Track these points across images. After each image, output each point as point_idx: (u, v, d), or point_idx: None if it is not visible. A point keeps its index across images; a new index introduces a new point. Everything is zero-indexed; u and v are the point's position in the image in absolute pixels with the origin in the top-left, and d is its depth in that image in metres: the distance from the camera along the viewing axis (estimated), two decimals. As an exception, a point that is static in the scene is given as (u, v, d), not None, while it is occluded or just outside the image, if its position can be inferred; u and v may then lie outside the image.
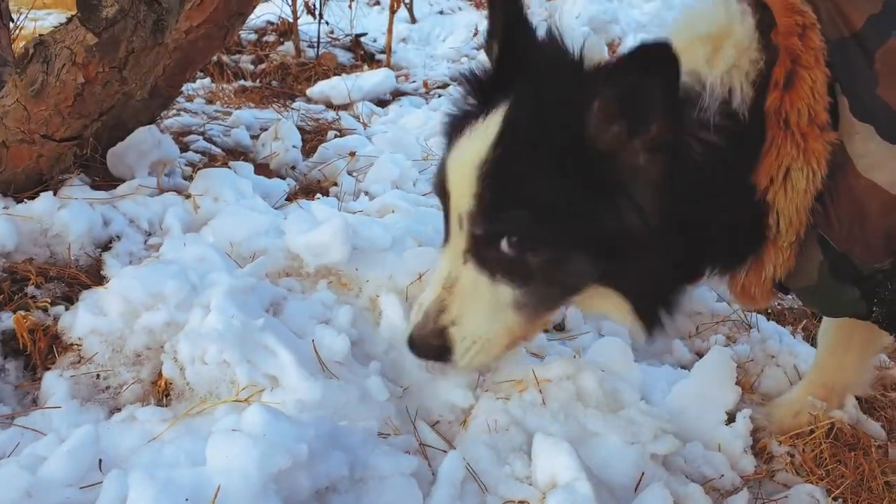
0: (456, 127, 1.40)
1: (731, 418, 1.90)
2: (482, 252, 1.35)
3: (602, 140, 1.24)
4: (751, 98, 1.28)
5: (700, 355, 2.25)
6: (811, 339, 2.36)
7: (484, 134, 1.31)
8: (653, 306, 1.40)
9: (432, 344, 1.41)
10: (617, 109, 1.21)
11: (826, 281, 1.39)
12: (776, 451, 1.88)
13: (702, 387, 1.92)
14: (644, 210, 1.25)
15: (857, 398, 2.05)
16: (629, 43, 5.53)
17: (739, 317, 2.36)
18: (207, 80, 4.32)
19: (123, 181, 2.30)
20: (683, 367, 2.19)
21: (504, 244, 1.31)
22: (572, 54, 1.33)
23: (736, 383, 2.02)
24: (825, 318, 1.94)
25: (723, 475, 1.73)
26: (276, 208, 2.43)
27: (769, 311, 2.55)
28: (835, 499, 1.73)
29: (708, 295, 2.38)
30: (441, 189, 1.40)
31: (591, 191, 1.26)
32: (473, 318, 1.40)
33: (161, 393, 1.65)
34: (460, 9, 6.73)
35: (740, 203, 1.33)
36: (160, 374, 1.67)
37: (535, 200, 1.29)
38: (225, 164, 2.61)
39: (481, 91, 1.44)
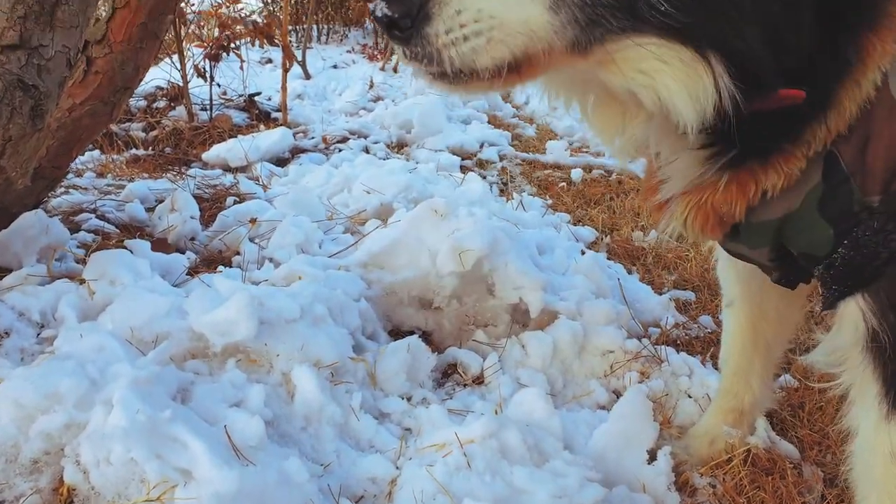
0: None
1: (652, 456, 1.93)
2: None
3: None
4: None
5: (617, 394, 2.29)
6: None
7: None
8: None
9: None
10: None
11: (807, 211, 1.26)
12: (698, 484, 1.92)
13: (621, 428, 1.95)
14: None
15: (770, 420, 2.13)
16: (521, 86, 5.70)
17: (651, 352, 2.42)
18: (97, 153, 4.17)
19: (10, 271, 2.17)
20: (602, 408, 2.22)
21: None
22: None
23: (654, 419, 2.06)
24: (724, 344, 2.00)
25: (650, 517, 1.75)
26: (177, 285, 2.34)
27: (678, 341, 2.63)
28: (757, 526, 1.78)
29: (617, 333, 2.43)
30: None
31: None
32: None
33: (64, 501, 1.54)
34: (354, 62, 6.78)
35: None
36: (61, 481, 1.56)
37: None
38: (120, 242, 2.51)
39: None
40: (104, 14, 2.34)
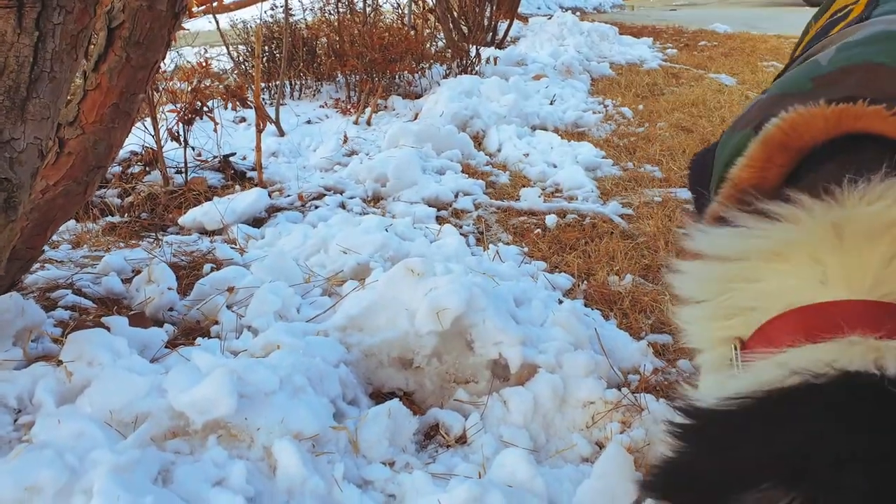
0: None
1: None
2: None
3: None
4: None
5: (600, 445, 2.31)
6: (700, 412, 2.46)
7: None
8: None
9: None
10: None
11: None
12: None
13: (604, 485, 1.97)
14: None
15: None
16: (493, 135, 5.78)
17: (631, 400, 2.44)
18: (72, 222, 4.16)
19: (-14, 357, 2.17)
20: (586, 460, 2.24)
21: None
22: None
23: (636, 470, 2.08)
24: None
25: (636, 575, 1.75)
26: (156, 359, 2.34)
27: (657, 387, 2.65)
28: (744, 577, 1.78)
29: (597, 383, 2.45)
30: None
31: None
32: None
33: None
34: (328, 116, 6.83)
35: None
36: (42, 575, 1.55)
37: None
38: (97, 319, 2.51)
39: None
40: (76, 96, 2.37)
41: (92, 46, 2.40)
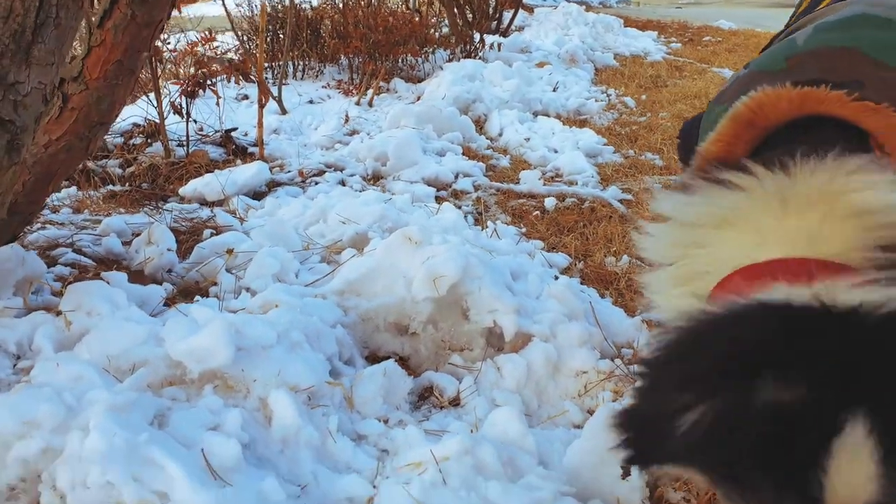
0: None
1: (626, 471, 1.96)
2: None
3: None
4: None
5: (591, 413, 2.33)
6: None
7: None
8: None
9: None
10: None
11: None
12: (672, 498, 1.95)
13: (595, 445, 1.99)
14: None
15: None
16: (494, 119, 5.80)
17: (624, 371, 2.46)
18: (73, 189, 4.18)
19: (-14, 305, 2.19)
20: (577, 427, 2.26)
21: None
22: None
23: (627, 436, 2.10)
24: None
25: (625, 530, 1.78)
26: (153, 315, 2.36)
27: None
28: (730, 538, 1.81)
29: (591, 354, 2.47)
30: None
31: None
32: None
33: (41, 527, 1.55)
34: (329, 97, 6.84)
35: None
36: (38, 506, 1.57)
37: None
38: (97, 276, 2.52)
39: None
40: (80, 52, 2.39)
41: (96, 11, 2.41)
